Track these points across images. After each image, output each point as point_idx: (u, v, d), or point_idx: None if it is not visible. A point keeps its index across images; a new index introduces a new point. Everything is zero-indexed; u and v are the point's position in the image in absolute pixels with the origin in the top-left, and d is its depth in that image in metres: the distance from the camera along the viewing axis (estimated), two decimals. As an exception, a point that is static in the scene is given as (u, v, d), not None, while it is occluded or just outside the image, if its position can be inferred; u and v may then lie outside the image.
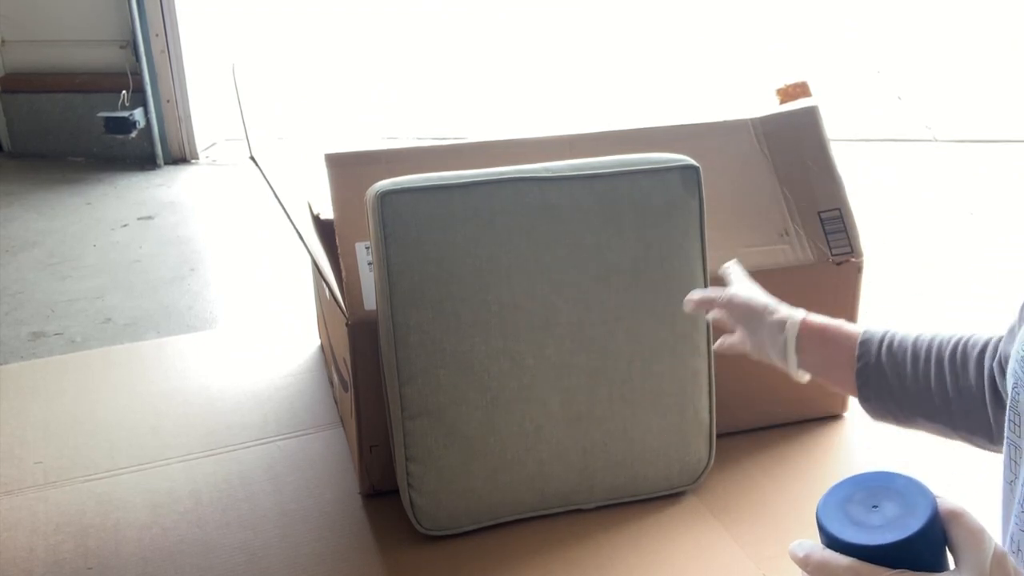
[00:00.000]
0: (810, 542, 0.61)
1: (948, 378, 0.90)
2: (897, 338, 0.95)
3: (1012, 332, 0.85)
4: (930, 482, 0.61)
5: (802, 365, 1.01)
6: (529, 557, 1.30)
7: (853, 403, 1.59)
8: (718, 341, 1.14)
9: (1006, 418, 0.68)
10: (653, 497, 1.39)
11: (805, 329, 1.00)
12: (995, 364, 0.86)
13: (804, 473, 1.47)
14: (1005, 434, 0.68)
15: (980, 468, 1.42)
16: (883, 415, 0.97)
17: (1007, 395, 0.82)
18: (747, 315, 1.06)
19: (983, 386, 0.87)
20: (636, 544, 1.32)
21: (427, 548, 1.32)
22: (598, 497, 1.38)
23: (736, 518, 1.36)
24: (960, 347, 0.91)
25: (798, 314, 1.01)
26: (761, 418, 1.56)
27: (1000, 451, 0.87)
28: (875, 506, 0.60)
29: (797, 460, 1.50)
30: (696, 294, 1.14)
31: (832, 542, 0.60)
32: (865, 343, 0.96)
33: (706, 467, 1.41)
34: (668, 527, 1.35)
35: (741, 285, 1.10)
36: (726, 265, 1.16)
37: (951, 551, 0.59)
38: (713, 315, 1.13)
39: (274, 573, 1.29)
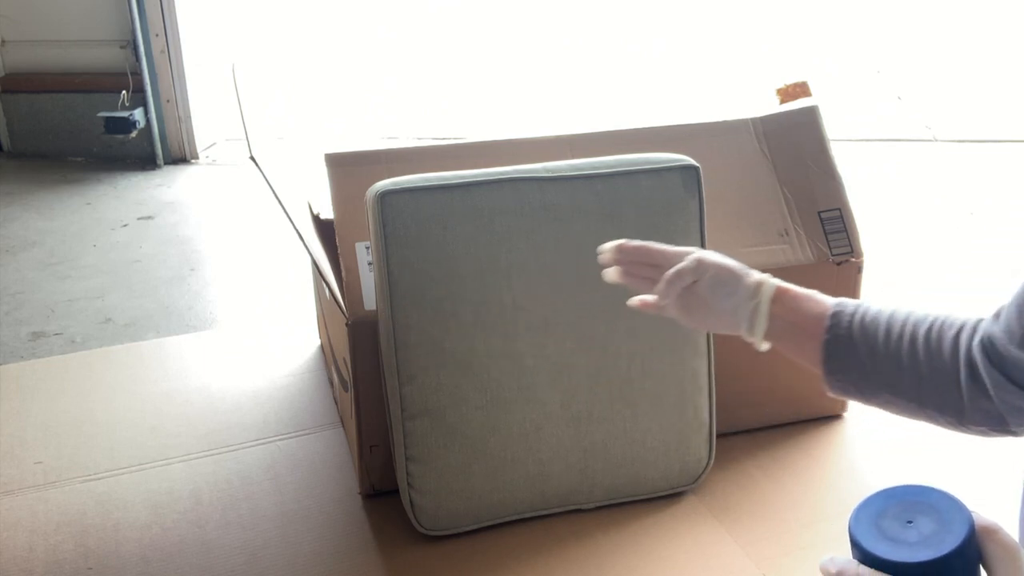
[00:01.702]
0: (843, 558, 0.59)
1: (922, 355, 0.89)
2: (871, 312, 0.93)
3: (998, 315, 0.85)
4: (961, 493, 0.60)
5: (767, 332, 0.96)
6: (529, 557, 1.30)
7: (853, 403, 1.59)
8: (636, 299, 1.05)
9: None
10: (653, 497, 1.39)
11: (780, 294, 0.96)
12: (977, 344, 0.86)
13: (804, 473, 1.47)
14: None
15: (985, 464, 1.42)
16: (845, 389, 0.94)
17: (990, 381, 0.82)
18: (719, 275, 0.98)
19: (958, 365, 0.87)
20: (636, 544, 1.32)
21: (427, 548, 1.32)
22: (598, 497, 1.38)
23: (736, 518, 1.36)
24: (936, 326, 0.90)
25: (772, 279, 0.97)
26: (761, 418, 1.56)
27: (970, 432, 0.88)
28: (910, 521, 0.59)
29: (797, 460, 1.50)
30: (609, 246, 1.05)
31: (866, 558, 0.59)
32: (837, 315, 0.93)
33: (706, 467, 1.41)
34: (668, 527, 1.35)
35: (695, 249, 1.03)
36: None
37: (985, 567, 0.58)
38: (615, 277, 1.05)
39: (274, 573, 1.29)
